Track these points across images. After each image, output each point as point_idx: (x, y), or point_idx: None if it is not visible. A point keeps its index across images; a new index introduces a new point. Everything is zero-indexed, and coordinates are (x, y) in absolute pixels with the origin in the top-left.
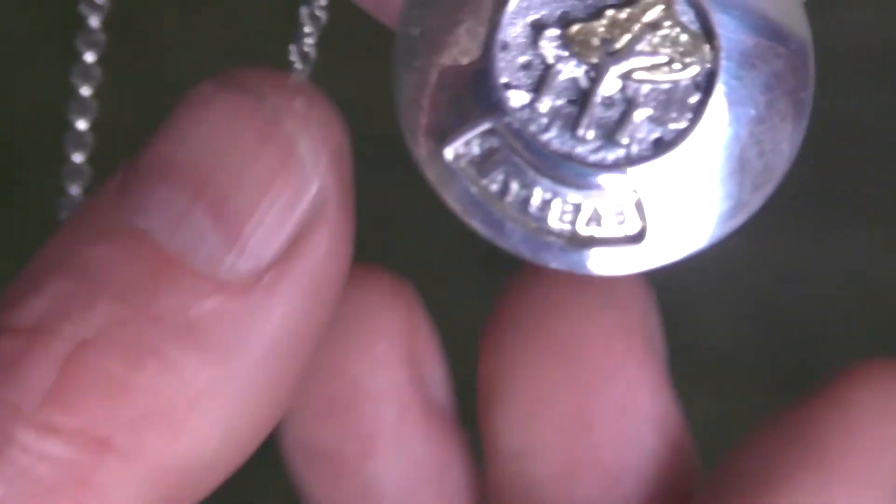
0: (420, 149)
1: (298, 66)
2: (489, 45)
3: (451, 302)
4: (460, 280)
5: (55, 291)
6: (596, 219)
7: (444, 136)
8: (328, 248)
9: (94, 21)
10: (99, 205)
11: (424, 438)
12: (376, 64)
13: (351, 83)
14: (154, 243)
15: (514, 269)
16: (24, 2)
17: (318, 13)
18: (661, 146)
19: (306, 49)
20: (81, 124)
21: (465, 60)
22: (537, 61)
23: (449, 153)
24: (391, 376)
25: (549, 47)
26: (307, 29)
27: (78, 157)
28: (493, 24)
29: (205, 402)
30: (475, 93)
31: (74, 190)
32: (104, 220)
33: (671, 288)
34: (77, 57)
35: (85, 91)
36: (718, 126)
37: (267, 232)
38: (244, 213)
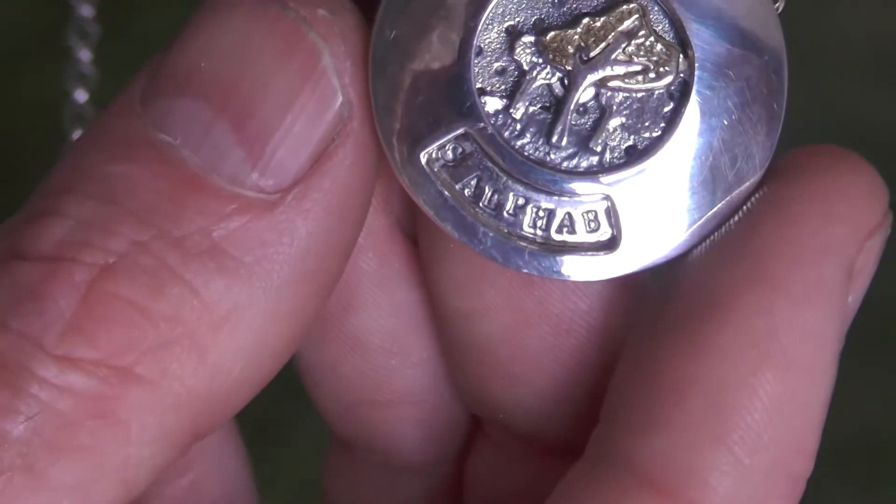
0: (394, 152)
1: None
2: (464, 50)
3: None
4: None
5: (75, 215)
6: (568, 225)
7: (418, 140)
8: (353, 162)
9: (85, 54)
10: (119, 118)
11: (406, 283)
12: None
13: None
14: (177, 160)
15: None
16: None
17: None
18: (634, 154)
19: None
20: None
21: (438, 66)
22: (512, 67)
23: (423, 157)
24: (370, 225)
25: (524, 54)
26: None
27: None
28: (469, 30)
29: (229, 326)
30: (450, 98)
31: None
32: (124, 135)
33: None
34: (71, 56)
35: (80, 96)
36: (691, 135)
37: (291, 147)
38: (268, 129)
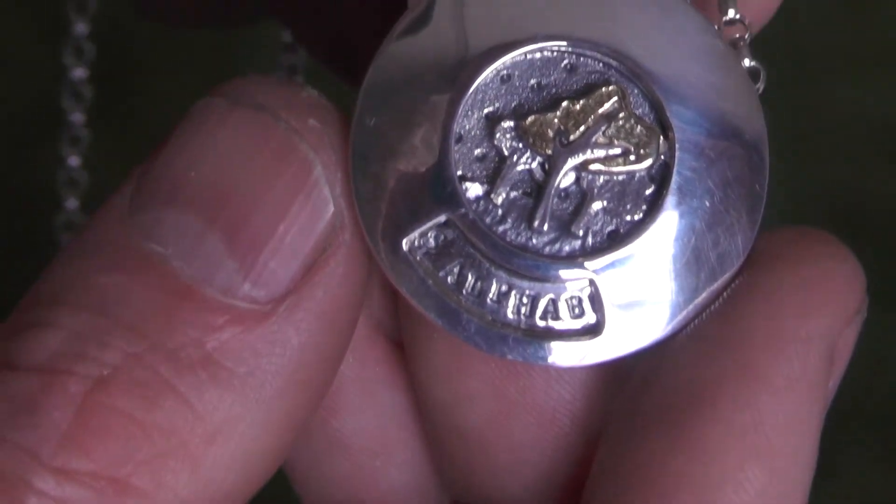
0: (376, 241)
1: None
2: (444, 137)
3: None
4: None
5: (69, 326)
6: (552, 311)
7: (399, 228)
8: (345, 272)
9: (78, 117)
10: (108, 227)
11: (388, 384)
12: None
13: None
14: (168, 271)
15: None
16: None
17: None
18: (616, 238)
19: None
20: (72, 203)
21: (418, 153)
22: (492, 153)
23: (405, 245)
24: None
25: (504, 139)
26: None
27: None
28: (448, 116)
29: (222, 438)
30: (430, 185)
31: None
32: (115, 244)
33: None
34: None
35: (73, 161)
36: (673, 218)
37: (284, 259)
38: (261, 240)
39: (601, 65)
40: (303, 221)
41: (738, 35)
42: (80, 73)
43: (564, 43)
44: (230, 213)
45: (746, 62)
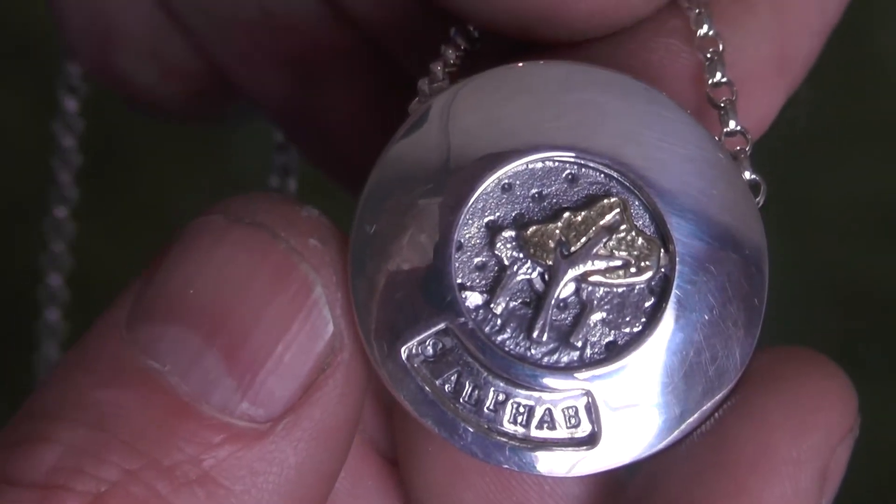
0: (374, 348)
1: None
2: (444, 245)
3: None
4: None
5: (66, 442)
6: (549, 421)
7: (398, 335)
8: (343, 392)
9: (66, 176)
10: (106, 341)
11: (381, 500)
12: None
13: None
14: (165, 387)
15: None
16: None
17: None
18: (614, 350)
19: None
20: (55, 279)
21: (418, 261)
22: (492, 262)
23: (403, 352)
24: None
25: (504, 249)
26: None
27: (53, 314)
28: (449, 225)
29: None
30: (430, 293)
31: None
32: (112, 360)
33: None
34: (48, 212)
35: (58, 246)
36: (672, 331)
37: (282, 378)
38: (259, 358)
39: (603, 176)
40: (302, 341)
41: (738, 147)
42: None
43: (566, 153)
44: (229, 331)
45: (747, 175)
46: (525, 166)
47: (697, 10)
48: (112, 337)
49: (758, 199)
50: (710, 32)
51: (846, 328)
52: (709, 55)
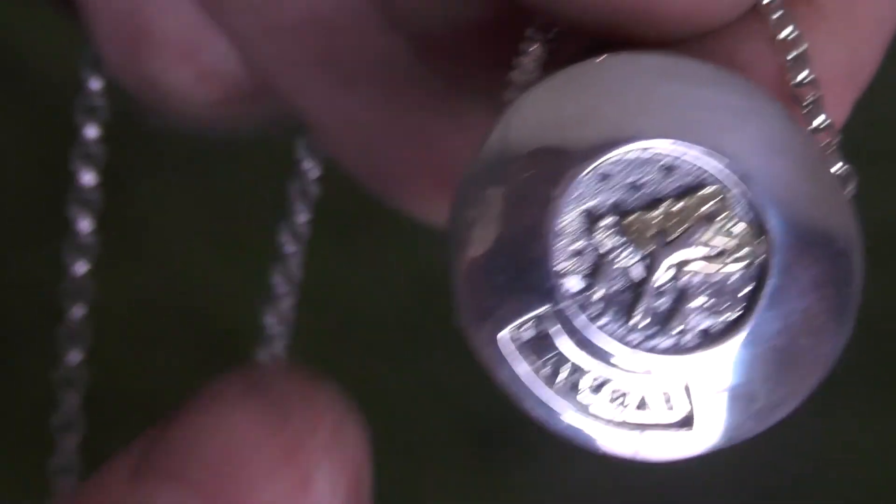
0: (473, 331)
1: (290, 246)
2: (543, 232)
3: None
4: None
5: None
6: (645, 404)
7: (497, 319)
8: None
9: (86, 224)
10: (109, 490)
11: None
12: (369, 242)
13: (344, 262)
14: None
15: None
16: (22, 178)
17: (309, 188)
18: (711, 336)
19: (298, 228)
20: (78, 310)
21: (517, 247)
22: (590, 248)
23: (502, 336)
24: None
25: (604, 235)
26: (299, 206)
27: (75, 357)
28: (548, 212)
29: None
30: (529, 279)
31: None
32: None
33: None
34: (66, 268)
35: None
36: (767, 319)
37: None
38: None
39: (699, 166)
40: None
41: (826, 141)
42: (88, 178)
43: (663, 143)
44: (227, 501)
45: (837, 166)
46: (622, 156)
47: (779, 13)
48: (116, 486)
49: (848, 191)
50: (792, 35)
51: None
52: (791, 56)
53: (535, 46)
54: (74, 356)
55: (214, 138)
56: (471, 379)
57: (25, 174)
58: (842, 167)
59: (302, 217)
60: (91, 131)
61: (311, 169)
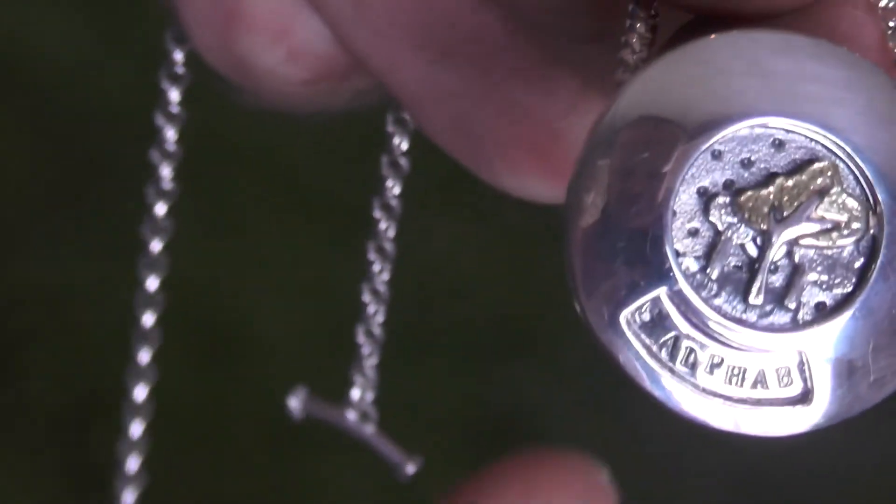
0: (591, 313)
1: (383, 221)
2: (661, 213)
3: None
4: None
5: None
6: (762, 381)
7: (616, 301)
8: None
9: (166, 170)
10: None
11: None
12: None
13: (344, 262)
14: None
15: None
16: (18, 181)
17: (401, 161)
18: (826, 310)
19: (391, 202)
20: (140, 392)
21: (635, 229)
22: (705, 228)
23: (622, 319)
24: None
25: (718, 214)
26: (389, 182)
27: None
28: (665, 193)
29: None
30: (647, 260)
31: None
32: None
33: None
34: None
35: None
36: (881, 291)
37: None
38: None
39: (810, 140)
40: None
41: None
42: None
43: (774, 119)
44: None
45: None
46: (733, 133)
47: None
48: None
49: None
50: (893, 2)
51: None
52: (893, 23)
53: (640, 24)
54: (144, 357)
55: (305, 116)
56: (467, 377)
57: (27, 175)
58: None
59: (395, 190)
60: (174, 94)
61: (401, 143)
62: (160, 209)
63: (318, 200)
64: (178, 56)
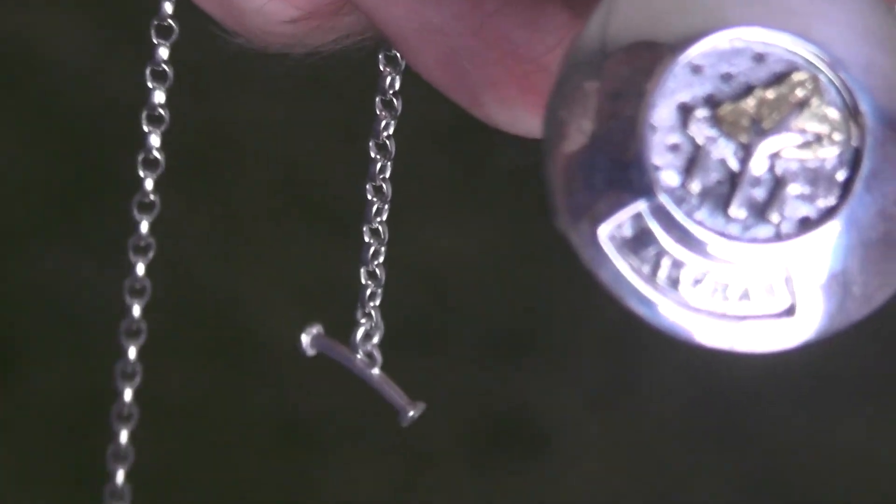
0: (573, 230)
1: (371, 244)
2: (639, 127)
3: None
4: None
5: None
6: (746, 295)
7: (596, 217)
8: None
9: (154, 139)
10: None
11: None
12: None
13: (343, 262)
14: None
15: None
16: (16, 191)
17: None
18: (809, 223)
19: (376, 226)
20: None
21: (614, 145)
22: (685, 142)
23: (602, 234)
24: None
25: (698, 128)
26: (383, 121)
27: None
28: (643, 107)
29: None
30: (626, 173)
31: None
32: None
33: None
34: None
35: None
36: (865, 203)
37: None
38: None
39: (789, 52)
40: None
41: None
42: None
43: (753, 30)
44: None
45: None
46: (712, 46)
47: None
48: None
49: None
50: None
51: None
52: None
53: None
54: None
55: (295, 56)
56: (473, 376)
57: (30, 176)
58: None
59: (389, 129)
60: (163, 52)
61: (392, 81)
62: (148, 184)
63: (322, 200)
64: (168, 7)
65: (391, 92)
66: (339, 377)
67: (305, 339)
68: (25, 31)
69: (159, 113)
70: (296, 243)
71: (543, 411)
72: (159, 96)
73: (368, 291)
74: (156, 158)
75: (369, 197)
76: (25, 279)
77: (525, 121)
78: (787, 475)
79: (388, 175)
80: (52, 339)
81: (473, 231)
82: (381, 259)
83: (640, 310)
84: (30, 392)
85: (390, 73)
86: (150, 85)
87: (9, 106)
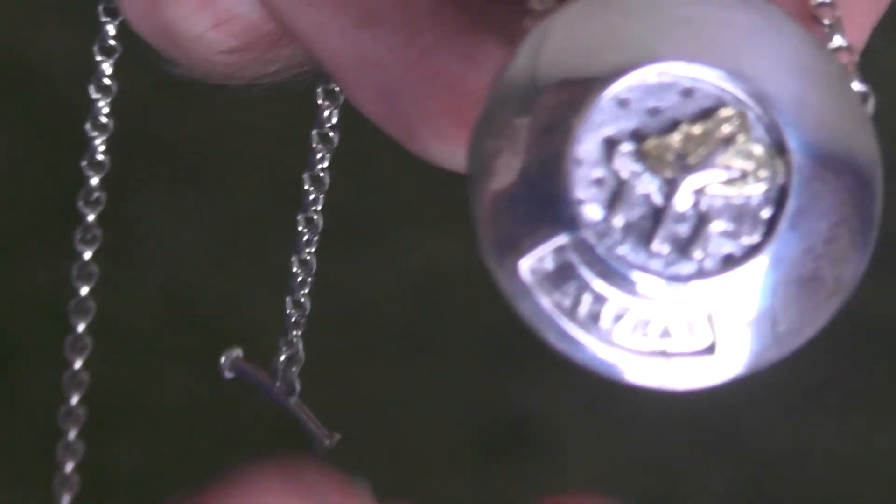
0: (494, 263)
1: (299, 274)
2: (563, 160)
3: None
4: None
5: None
6: (667, 332)
7: (518, 250)
8: None
9: (91, 216)
10: None
11: None
12: (369, 244)
13: (343, 263)
14: None
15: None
16: (14, 196)
17: (315, 217)
18: (733, 260)
19: (305, 257)
20: (80, 326)
21: (537, 177)
22: (610, 176)
23: (523, 267)
24: None
25: (622, 162)
26: (306, 236)
27: (78, 362)
28: (568, 140)
29: None
30: (549, 207)
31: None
32: None
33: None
34: (76, 255)
35: (84, 290)
36: (790, 242)
37: None
38: None
39: (718, 88)
40: None
41: (844, 61)
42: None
43: (680, 66)
44: None
45: (856, 86)
46: (640, 80)
47: None
48: None
49: (867, 107)
50: None
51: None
52: None
53: None
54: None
55: (236, 87)
56: (473, 381)
57: (28, 181)
58: (860, 87)
59: (324, 163)
60: (106, 67)
61: (331, 115)
62: (94, 181)
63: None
64: (111, 29)
65: (327, 126)
66: (337, 382)
67: (224, 360)
68: (20, 37)
69: (103, 122)
70: (292, 249)
71: (542, 417)
72: (106, 69)
73: (293, 319)
74: (101, 161)
75: (300, 228)
76: (22, 282)
77: (461, 156)
78: (783, 482)
79: (320, 207)
80: (48, 341)
81: (472, 235)
82: (307, 290)
83: (559, 345)
84: (27, 394)
85: (329, 107)
86: (97, 57)
87: (4, 111)
